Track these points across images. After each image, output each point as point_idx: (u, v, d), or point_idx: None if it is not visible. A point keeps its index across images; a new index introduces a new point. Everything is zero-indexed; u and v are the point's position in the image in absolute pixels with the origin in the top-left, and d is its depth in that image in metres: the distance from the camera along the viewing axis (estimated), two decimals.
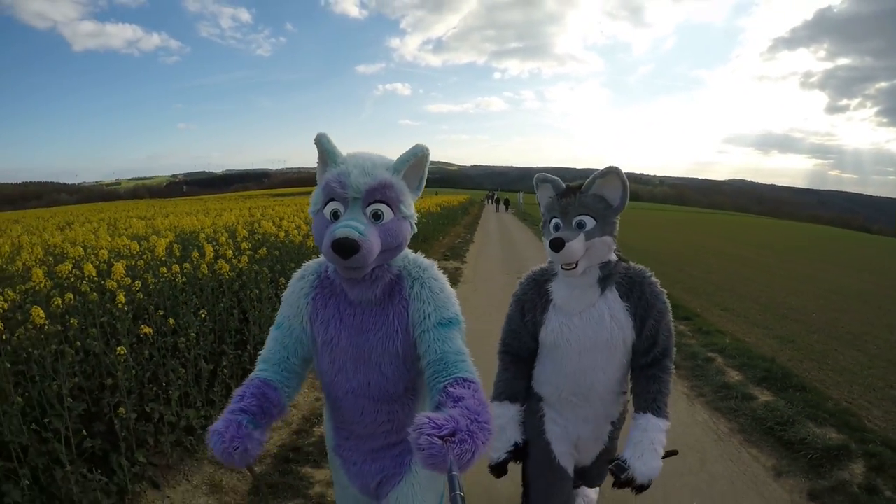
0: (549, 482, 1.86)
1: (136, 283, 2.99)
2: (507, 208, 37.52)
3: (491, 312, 5.41)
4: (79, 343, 2.51)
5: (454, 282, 8.64)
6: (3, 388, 2.18)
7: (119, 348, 2.38)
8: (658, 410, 1.66)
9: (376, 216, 1.20)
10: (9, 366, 2.23)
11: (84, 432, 2.38)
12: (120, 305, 2.61)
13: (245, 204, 17.32)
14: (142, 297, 3.09)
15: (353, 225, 1.14)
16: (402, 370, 1.32)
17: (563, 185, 1.65)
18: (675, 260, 13.42)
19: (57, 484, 2.20)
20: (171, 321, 2.94)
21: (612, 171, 1.54)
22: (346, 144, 1.29)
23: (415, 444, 0.89)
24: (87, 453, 2.38)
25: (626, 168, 1.55)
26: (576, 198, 1.57)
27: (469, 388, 1.09)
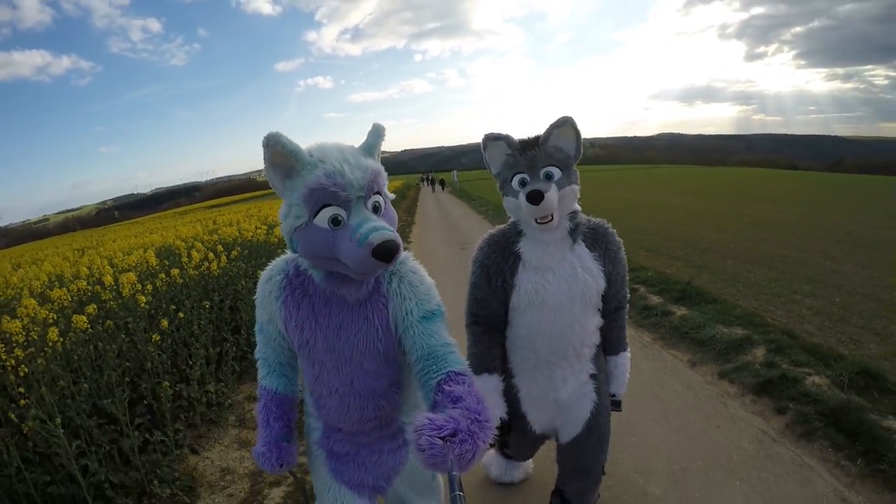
0: (528, 447, 2.15)
1: (148, 286, 3.47)
2: (443, 188, 37.40)
3: (444, 280, 5.96)
4: (123, 335, 2.97)
5: None
6: (66, 383, 2.63)
7: (154, 336, 2.86)
8: (625, 346, 1.89)
9: (376, 209, 1.14)
10: (76, 357, 2.68)
11: (129, 414, 2.85)
12: (142, 305, 3.10)
13: (184, 219, 16.64)
14: (152, 299, 3.56)
15: (381, 225, 1.07)
16: (385, 367, 1.28)
17: (517, 140, 1.60)
18: (604, 214, 13.93)
19: (115, 460, 2.66)
20: (182, 315, 3.46)
21: (567, 121, 1.53)
22: None
23: (415, 445, 0.88)
24: (137, 430, 2.85)
25: None
26: (540, 150, 1.54)
27: (464, 384, 1.06)
